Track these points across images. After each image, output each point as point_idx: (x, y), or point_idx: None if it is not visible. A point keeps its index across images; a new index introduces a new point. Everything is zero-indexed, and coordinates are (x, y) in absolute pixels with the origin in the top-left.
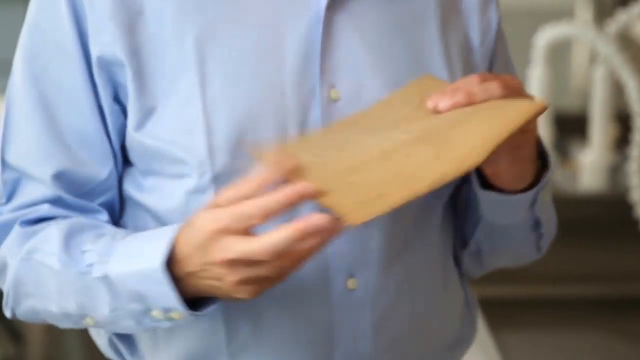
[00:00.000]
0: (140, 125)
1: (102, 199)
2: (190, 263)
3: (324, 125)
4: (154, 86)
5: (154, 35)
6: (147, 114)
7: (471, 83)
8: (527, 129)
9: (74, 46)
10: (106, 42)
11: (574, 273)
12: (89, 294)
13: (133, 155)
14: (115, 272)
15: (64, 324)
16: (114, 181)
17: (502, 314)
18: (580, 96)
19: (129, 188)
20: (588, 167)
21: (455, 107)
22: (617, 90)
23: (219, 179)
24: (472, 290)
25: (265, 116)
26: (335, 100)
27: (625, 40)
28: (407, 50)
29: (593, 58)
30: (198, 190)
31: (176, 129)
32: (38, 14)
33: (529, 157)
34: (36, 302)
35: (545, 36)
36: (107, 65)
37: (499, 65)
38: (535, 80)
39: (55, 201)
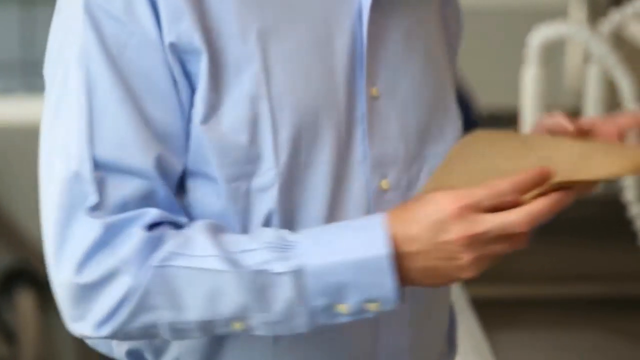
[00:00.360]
0: (207, 118)
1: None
2: (417, 243)
3: (369, 123)
4: (222, 78)
5: (221, 27)
6: (214, 106)
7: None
8: None
9: (156, 34)
10: (184, 28)
11: (569, 273)
12: (263, 292)
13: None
14: (314, 265)
15: (192, 335)
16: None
17: (496, 313)
18: (574, 95)
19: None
20: None
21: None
22: (611, 89)
23: (282, 176)
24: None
25: (322, 113)
26: (376, 98)
27: (618, 40)
28: (428, 52)
29: (587, 57)
30: (261, 189)
31: (241, 124)
32: (109, 5)
33: None
34: (162, 315)
35: (539, 36)
36: (181, 53)
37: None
38: (529, 79)
39: (148, 197)
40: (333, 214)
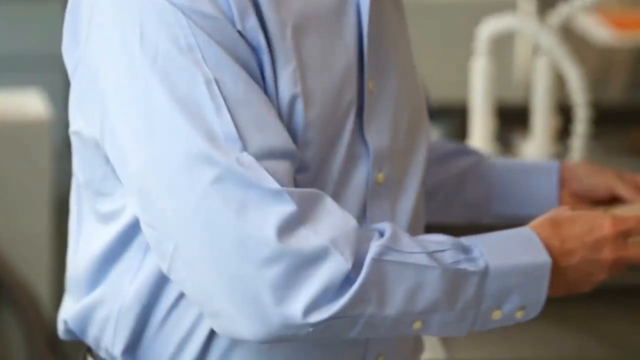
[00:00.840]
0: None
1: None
2: (573, 258)
3: (368, 118)
4: (275, 74)
5: (267, 23)
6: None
7: None
8: None
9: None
10: (251, 26)
11: None
12: (454, 290)
13: None
14: (496, 267)
15: (376, 333)
16: None
17: None
18: (523, 88)
19: None
20: (530, 158)
21: None
22: (559, 82)
23: (306, 171)
24: None
25: (340, 107)
26: (372, 92)
27: (567, 32)
28: (407, 49)
29: (536, 50)
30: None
31: (282, 120)
32: (198, 5)
33: None
34: (367, 309)
35: (488, 28)
36: (256, 51)
37: None
38: (478, 72)
39: (292, 177)
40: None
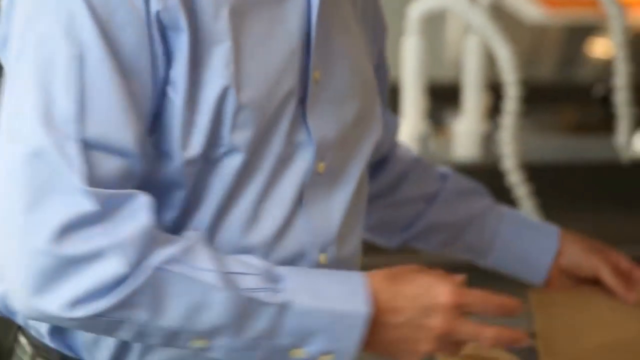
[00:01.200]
0: (186, 96)
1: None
2: (399, 316)
3: (311, 107)
4: (198, 56)
5: (196, 3)
6: (192, 84)
7: None
8: None
9: (142, 5)
10: (172, 5)
11: None
12: (245, 317)
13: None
14: (300, 304)
15: (151, 341)
16: None
17: None
18: (453, 66)
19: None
20: (461, 135)
21: None
22: (490, 60)
23: (238, 155)
24: None
25: (280, 94)
26: (318, 82)
27: (498, 11)
28: (358, 41)
29: (466, 28)
30: (217, 165)
31: (208, 102)
32: None
33: None
34: (139, 315)
35: (419, 7)
36: (167, 30)
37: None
38: (409, 50)
39: (128, 176)
40: (268, 195)
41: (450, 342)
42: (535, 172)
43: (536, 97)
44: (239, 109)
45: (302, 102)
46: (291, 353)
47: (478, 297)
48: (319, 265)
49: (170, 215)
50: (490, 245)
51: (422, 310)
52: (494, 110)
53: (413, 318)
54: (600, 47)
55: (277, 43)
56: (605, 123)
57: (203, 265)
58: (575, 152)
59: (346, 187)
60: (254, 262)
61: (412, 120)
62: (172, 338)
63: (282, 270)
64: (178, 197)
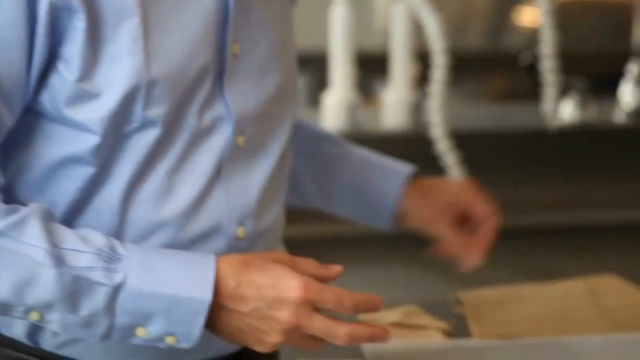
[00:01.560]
0: (83, 73)
1: None
2: (245, 305)
3: (230, 81)
4: (100, 34)
5: None
6: (91, 62)
7: None
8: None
9: None
10: None
11: None
12: (76, 295)
13: (54, 102)
14: (135, 287)
15: None
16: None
17: (307, 253)
18: (382, 35)
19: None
20: (390, 105)
21: None
22: (417, 28)
23: (151, 129)
24: None
25: (193, 68)
26: (237, 55)
27: None
28: (283, 14)
29: None
30: (123, 138)
31: (115, 78)
32: None
33: None
34: None
35: None
36: (58, 11)
37: None
38: (337, 20)
39: None
40: (183, 167)
41: (303, 336)
42: (463, 140)
43: (464, 65)
44: (150, 85)
45: (220, 76)
46: (134, 331)
47: (331, 294)
48: (237, 239)
49: (74, 186)
50: (332, 192)
51: (269, 302)
52: (422, 79)
53: (260, 308)
54: (528, 16)
55: (190, 17)
56: (532, 91)
57: (31, 241)
58: (502, 119)
59: (267, 160)
60: (95, 238)
61: (340, 90)
62: (5, 309)
63: (125, 249)
64: (84, 171)
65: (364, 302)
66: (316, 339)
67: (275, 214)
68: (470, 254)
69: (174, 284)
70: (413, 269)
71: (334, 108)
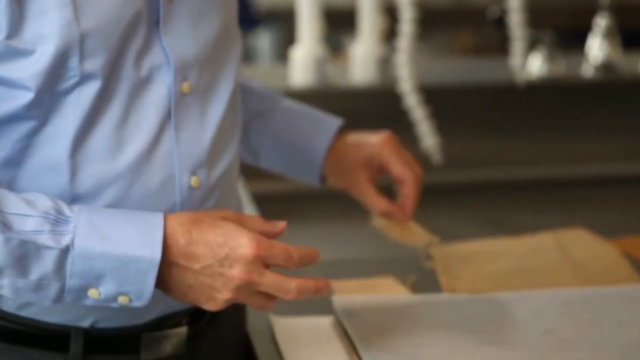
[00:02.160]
0: (11, 31)
1: None
2: (197, 263)
3: (165, 26)
4: None
5: None
6: (17, 18)
7: None
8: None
9: None
10: None
11: None
12: (24, 260)
13: None
14: (83, 248)
15: None
16: None
17: (277, 208)
18: None
19: None
20: (359, 59)
21: None
22: None
23: (86, 82)
24: None
25: (124, 17)
26: (171, 1)
27: None
28: None
29: None
30: (65, 95)
31: (46, 33)
32: None
33: None
34: None
35: None
36: None
37: None
38: None
39: None
40: (130, 118)
41: (253, 293)
42: (432, 95)
43: (432, 19)
44: (83, 37)
45: (157, 23)
46: (87, 293)
47: (281, 249)
48: (191, 189)
49: (19, 145)
50: (258, 148)
51: (221, 259)
52: (390, 33)
53: (211, 265)
54: None
55: None
56: (500, 45)
57: None
58: (471, 74)
59: (216, 106)
60: (41, 202)
61: (308, 45)
62: None
63: (72, 210)
64: (25, 128)
65: (307, 255)
66: (266, 297)
67: (228, 161)
68: (396, 215)
69: (122, 244)
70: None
71: (303, 63)
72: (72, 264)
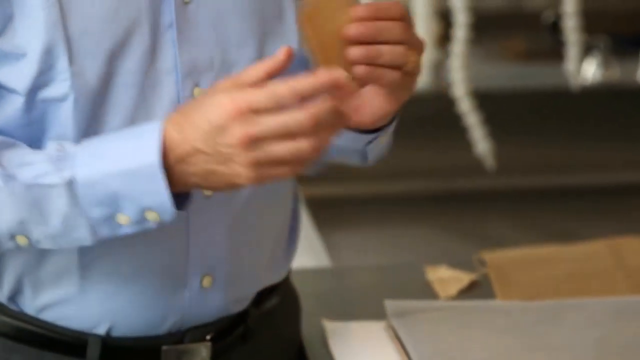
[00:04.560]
0: (1, 29)
1: None
2: (194, 146)
3: (178, 29)
4: None
5: None
6: (6, 22)
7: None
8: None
9: None
10: None
11: (400, 170)
12: (37, 206)
13: None
14: (85, 176)
15: None
16: None
17: (330, 213)
18: None
19: None
20: None
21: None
22: None
23: (79, 87)
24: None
25: (123, 19)
26: (187, 3)
27: None
28: None
29: None
30: (57, 100)
31: (34, 33)
32: None
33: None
34: None
35: None
36: None
37: None
38: None
39: None
40: (136, 123)
41: (263, 150)
42: (485, 100)
43: (486, 24)
44: (70, 39)
45: (170, 26)
46: (116, 220)
47: (261, 91)
48: (205, 198)
49: None
50: None
51: (213, 132)
52: (444, 37)
53: (207, 141)
54: None
55: None
56: (554, 50)
57: None
58: (525, 79)
59: None
60: (49, 148)
61: None
62: None
63: (78, 147)
64: (26, 136)
65: (309, 86)
66: (284, 143)
67: None
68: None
69: (122, 159)
70: (435, 229)
71: None
72: (84, 195)
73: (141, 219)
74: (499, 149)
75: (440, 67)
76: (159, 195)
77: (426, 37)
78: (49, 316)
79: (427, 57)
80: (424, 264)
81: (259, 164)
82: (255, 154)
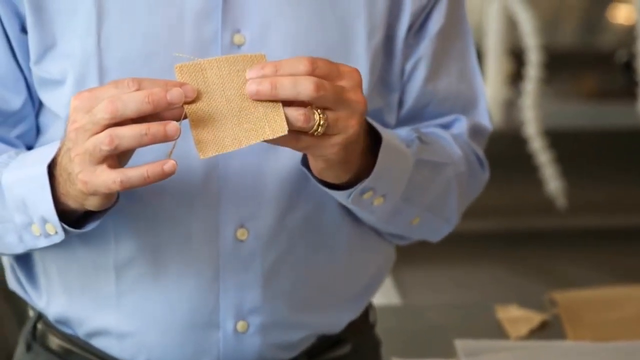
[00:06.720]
0: (39, 59)
1: (18, 130)
2: (61, 168)
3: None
4: (52, 20)
5: None
6: (47, 48)
7: (291, 68)
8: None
9: None
10: None
11: (470, 208)
12: None
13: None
14: (6, 179)
15: None
16: (29, 111)
17: (399, 250)
18: (475, 32)
19: (42, 117)
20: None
21: (259, 95)
22: (511, 25)
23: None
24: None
25: (159, 56)
26: (239, 46)
27: None
28: None
29: None
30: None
31: (70, 63)
32: None
33: (349, 162)
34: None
35: None
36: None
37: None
38: None
39: None
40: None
41: (75, 143)
42: (557, 139)
43: (558, 63)
44: (102, 70)
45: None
46: (31, 229)
47: (102, 89)
48: None
49: None
50: None
51: (65, 153)
52: (515, 76)
53: (65, 164)
54: (623, 13)
55: (156, 5)
56: (627, 89)
57: None
58: (597, 118)
59: None
60: (14, 152)
61: None
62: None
63: (20, 154)
64: None
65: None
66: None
67: None
68: None
69: (27, 165)
70: (505, 268)
71: None
72: (8, 198)
73: (45, 232)
74: (570, 188)
75: (512, 106)
76: (48, 203)
77: (498, 76)
78: (98, 343)
79: (499, 95)
80: (494, 303)
81: (79, 158)
82: (73, 146)
